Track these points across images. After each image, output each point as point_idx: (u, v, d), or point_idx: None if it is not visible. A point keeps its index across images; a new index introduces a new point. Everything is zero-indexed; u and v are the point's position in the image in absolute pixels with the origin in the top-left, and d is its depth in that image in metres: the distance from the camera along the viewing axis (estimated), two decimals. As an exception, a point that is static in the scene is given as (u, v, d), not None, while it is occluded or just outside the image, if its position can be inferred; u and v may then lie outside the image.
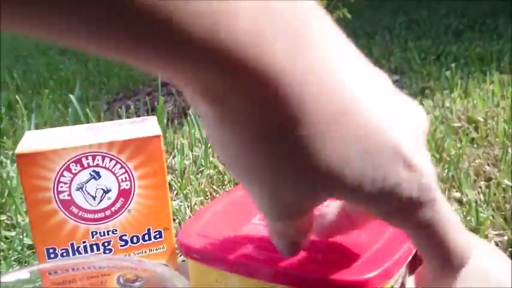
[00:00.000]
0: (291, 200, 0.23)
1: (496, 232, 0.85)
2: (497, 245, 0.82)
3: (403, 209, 0.23)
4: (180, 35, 0.18)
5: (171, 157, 1.17)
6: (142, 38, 0.19)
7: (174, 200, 0.97)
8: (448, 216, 0.25)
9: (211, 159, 1.11)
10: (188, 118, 1.32)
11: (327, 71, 0.21)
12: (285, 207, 0.23)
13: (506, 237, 0.83)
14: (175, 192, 1.01)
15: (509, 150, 1.07)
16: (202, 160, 1.11)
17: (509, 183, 0.94)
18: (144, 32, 0.18)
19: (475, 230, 0.83)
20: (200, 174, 1.08)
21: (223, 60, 0.19)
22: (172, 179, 1.06)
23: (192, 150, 1.20)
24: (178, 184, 1.01)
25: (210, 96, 0.21)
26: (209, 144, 1.18)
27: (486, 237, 0.84)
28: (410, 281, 0.32)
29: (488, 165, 1.06)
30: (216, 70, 0.20)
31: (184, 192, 0.99)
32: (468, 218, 0.86)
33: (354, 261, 0.27)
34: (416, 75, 1.81)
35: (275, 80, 0.20)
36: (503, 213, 0.89)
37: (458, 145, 1.13)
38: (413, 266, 0.31)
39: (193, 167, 1.09)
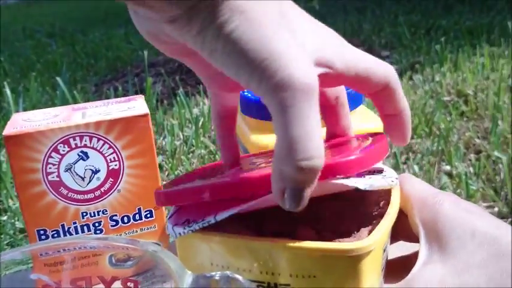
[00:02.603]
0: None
1: (486, 204, 0.86)
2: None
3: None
4: None
5: (162, 138, 1.16)
6: None
7: (166, 181, 0.97)
8: None
9: (202, 139, 1.11)
10: (178, 99, 1.31)
11: None
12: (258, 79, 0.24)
13: (496, 209, 0.84)
14: (166, 173, 1.01)
15: (499, 122, 1.08)
16: (193, 140, 1.10)
17: (499, 155, 0.95)
18: None
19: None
20: (191, 154, 1.07)
21: None
22: (163, 160, 1.05)
23: (182, 131, 1.19)
24: (170, 165, 1.01)
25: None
26: (200, 124, 1.18)
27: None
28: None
29: (478, 138, 1.06)
30: None
31: (176, 172, 0.99)
32: (458, 190, 0.87)
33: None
34: (407, 50, 1.81)
35: None
36: (493, 185, 0.89)
37: (448, 119, 1.14)
38: (394, 236, 0.32)
39: (184, 147, 1.09)
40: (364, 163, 0.28)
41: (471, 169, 0.93)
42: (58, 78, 1.41)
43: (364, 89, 0.29)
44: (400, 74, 1.53)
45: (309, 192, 0.25)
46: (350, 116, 0.34)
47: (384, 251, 0.30)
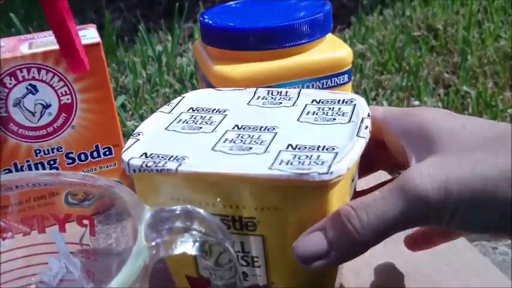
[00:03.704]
0: None
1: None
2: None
3: None
4: None
5: (124, 76, 1.12)
6: None
7: (130, 121, 0.94)
8: None
9: (166, 77, 1.07)
10: (139, 35, 1.25)
11: None
12: None
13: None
14: (130, 112, 0.98)
15: (468, 57, 1.07)
16: (157, 79, 1.07)
17: (468, 90, 0.95)
18: None
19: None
20: (155, 93, 1.04)
21: None
22: (126, 99, 1.02)
23: (145, 69, 1.15)
24: (133, 104, 0.98)
25: None
26: (163, 62, 1.14)
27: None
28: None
29: (447, 72, 1.05)
30: None
31: (140, 112, 0.96)
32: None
33: None
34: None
35: None
36: (461, 119, 0.89)
37: (418, 54, 1.12)
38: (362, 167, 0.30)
39: (148, 86, 1.05)
40: None
41: (440, 104, 0.93)
42: (12, 15, 1.34)
43: None
44: (371, 9, 1.50)
45: None
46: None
47: (352, 181, 0.28)
